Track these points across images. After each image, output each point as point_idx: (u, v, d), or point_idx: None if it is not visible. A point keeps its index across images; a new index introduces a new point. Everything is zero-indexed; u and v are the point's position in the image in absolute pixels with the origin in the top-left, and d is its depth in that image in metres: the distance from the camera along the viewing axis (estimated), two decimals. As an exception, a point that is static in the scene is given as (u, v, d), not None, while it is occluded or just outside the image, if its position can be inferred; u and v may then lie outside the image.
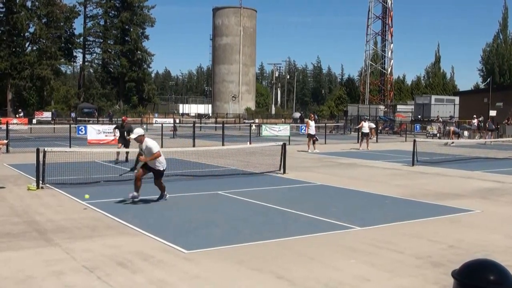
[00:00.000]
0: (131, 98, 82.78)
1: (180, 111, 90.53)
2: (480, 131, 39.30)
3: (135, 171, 11.84)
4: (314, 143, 25.79)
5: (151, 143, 11.52)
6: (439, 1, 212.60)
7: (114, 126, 21.77)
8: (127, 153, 19.03)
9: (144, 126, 51.10)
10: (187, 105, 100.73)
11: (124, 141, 18.90)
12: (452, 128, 34.90)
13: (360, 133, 29.13)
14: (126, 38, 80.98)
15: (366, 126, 27.98)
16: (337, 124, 50.86)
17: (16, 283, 6.09)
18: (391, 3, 68.07)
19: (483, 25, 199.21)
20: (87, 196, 11.12)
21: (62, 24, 75.12)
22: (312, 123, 26.23)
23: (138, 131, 11.75)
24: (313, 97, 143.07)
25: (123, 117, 21.48)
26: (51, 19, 72.47)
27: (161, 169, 11.54)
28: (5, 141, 14.20)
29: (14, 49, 71.16)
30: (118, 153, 19.10)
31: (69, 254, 7.30)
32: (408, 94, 79.49)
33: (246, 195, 12.44)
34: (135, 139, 11.60)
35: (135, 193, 11.17)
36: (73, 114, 62.46)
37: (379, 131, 40.37)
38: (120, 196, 12.16)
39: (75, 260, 7.00)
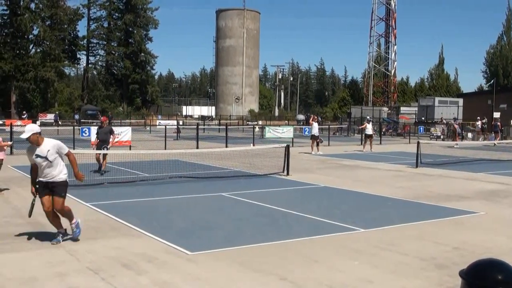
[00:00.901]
0: (134, 100, 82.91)
1: (184, 113, 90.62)
2: (484, 133, 39.22)
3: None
4: (318, 144, 25.78)
5: (56, 143, 8.10)
6: (442, 2, 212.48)
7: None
8: (104, 155, 16.67)
9: (148, 128, 51.23)
10: (190, 107, 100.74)
11: (103, 144, 16.85)
12: (455, 125, 34.85)
13: (363, 135, 29.11)
14: (130, 40, 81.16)
15: (369, 127, 27.95)
16: (340, 126, 50.81)
17: (20, 284, 6.09)
18: (395, 5, 68.01)
19: (486, 26, 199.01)
20: None
21: (66, 26, 75.30)
22: (315, 125, 26.24)
23: (32, 128, 7.94)
24: (316, 99, 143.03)
25: (102, 117, 19.32)
26: (55, 21, 72.68)
27: (66, 178, 8.18)
28: (10, 143, 14.21)
29: (18, 51, 71.38)
30: (98, 159, 16.71)
31: (72, 255, 7.31)
32: (412, 96, 79.49)
33: (249, 197, 12.44)
34: (27, 139, 7.81)
35: (59, 238, 8.04)
36: (76, 116, 62.55)
37: (382, 133, 40.32)
38: (124, 198, 12.19)
39: (78, 262, 7.00)
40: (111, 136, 17.13)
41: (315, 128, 25.88)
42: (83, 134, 28.66)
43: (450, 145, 32.07)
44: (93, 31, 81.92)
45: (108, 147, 16.88)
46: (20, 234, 8.50)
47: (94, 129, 25.80)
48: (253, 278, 6.42)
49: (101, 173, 16.31)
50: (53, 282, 6.17)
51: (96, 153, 16.40)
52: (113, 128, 19.10)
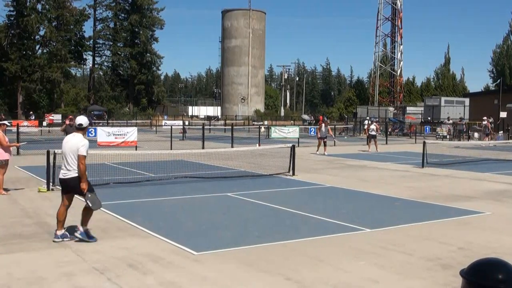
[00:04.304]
0: (140, 101, 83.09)
1: (190, 113, 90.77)
2: (490, 132, 39.04)
3: None
4: (325, 145, 25.67)
5: None
6: (449, 2, 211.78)
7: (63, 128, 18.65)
8: None
9: (154, 128, 51.36)
10: (196, 107, 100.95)
11: None
12: (488, 123, 34.78)
13: (367, 135, 29.06)
14: (136, 41, 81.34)
15: (372, 128, 27.85)
16: (346, 126, 50.76)
17: (28, 284, 6.14)
18: (401, 5, 67.83)
19: (493, 26, 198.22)
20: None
21: (72, 27, 75.61)
22: (323, 126, 26.21)
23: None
24: (322, 99, 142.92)
25: (69, 116, 19.81)
26: (61, 22, 72.98)
27: None
28: (18, 144, 14.24)
29: (24, 52, 71.69)
30: None
31: (79, 255, 7.35)
32: (418, 96, 79.29)
33: (255, 197, 12.46)
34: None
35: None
36: (83, 116, 62.63)
37: (388, 133, 40.23)
38: (130, 198, 12.23)
39: (85, 262, 7.05)
40: None
41: (322, 130, 25.77)
42: (89, 134, 28.79)
43: (478, 144, 31.82)
44: (99, 32, 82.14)
45: None
46: (28, 234, 8.56)
47: (100, 130, 25.94)
48: (259, 278, 6.44)
49: None
50: (61, 282, 6.22)
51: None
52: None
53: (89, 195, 8.05)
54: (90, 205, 8.00)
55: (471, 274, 2.09)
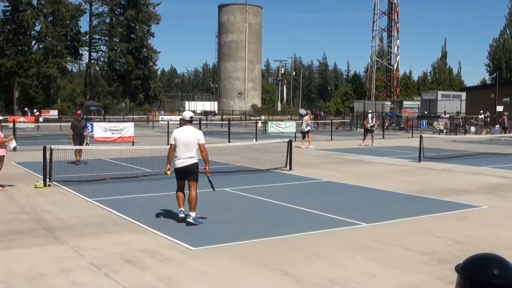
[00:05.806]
0: (137, 96, 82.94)
1: (186, 108, 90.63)
2: (487, 126, 39.13)
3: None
4: (303, 138, 26.11)
5: None
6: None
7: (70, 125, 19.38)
8: (80, 151, 17.77)
9: (151, 124, 51.29)
10: (193, 102, 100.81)
11: (80, 138, 18.24)
12: (505, 117, 34.77)
13: (365, 128, 29.07)
14: (132, 36, 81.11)
15: (372, 122, 27.85)
16: (343, 121, 50.79)
17: (27, 280, 6.15)
18: (397, -1, 67.78)
19: (490, 20, 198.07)
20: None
21: (68, 22, 75.44)
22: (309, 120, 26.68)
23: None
24: (319, 94, 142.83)
25: (77, 112, 20.19)
26: (57, 17, 72.82)
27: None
28: (13, 144, 14.15)
29: (20, 48, 71.47)
30: (79, 153, 17.87)
31: (77, 251, 7.35)
32: (415, 90, 79.30)
33: (252, 192, 12.47)
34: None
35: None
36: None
37: (385, 127, 40.26)
38: (127, 193, 12.22)
39: (83, 258, 7.05)
40: (85, 130, 18.72)
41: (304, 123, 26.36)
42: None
43: (498, 138, 31.83)
44: (95, 27, 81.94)
45: (87, 142, 18.74)
46: (25, 231, 8.56)
47: (97, 125, 25.88)
48: (256, 273, 6.46)
49: (77, 164, 17.43)
50: (59, 278, 6.22)
51: (76, 148, 17.57)
52: (87, 123, 21.56)
53: (210, 178, 9.24)
54: (213, 185, 9.43)
55: (466, 269, 2.10)
